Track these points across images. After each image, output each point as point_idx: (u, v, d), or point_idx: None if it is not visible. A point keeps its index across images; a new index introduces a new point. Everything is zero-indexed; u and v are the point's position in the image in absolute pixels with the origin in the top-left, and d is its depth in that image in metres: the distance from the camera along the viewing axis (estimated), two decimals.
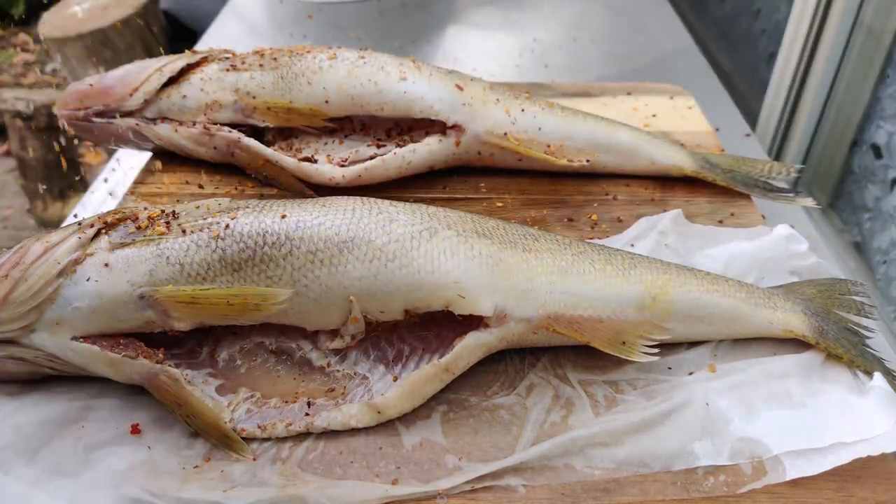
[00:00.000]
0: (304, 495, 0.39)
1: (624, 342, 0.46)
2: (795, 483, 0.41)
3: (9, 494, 0.39)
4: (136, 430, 0.43)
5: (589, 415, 0.44)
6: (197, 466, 0.41)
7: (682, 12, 1.18)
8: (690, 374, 0.47)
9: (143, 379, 0.43)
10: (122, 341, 0.43)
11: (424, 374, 0.44)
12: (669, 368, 0.47)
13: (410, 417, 0.44)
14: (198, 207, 0.47)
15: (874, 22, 0.86)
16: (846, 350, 0.47)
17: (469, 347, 0.45)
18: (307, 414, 0.43)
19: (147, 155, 0.67)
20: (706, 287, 0.48)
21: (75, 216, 0.65)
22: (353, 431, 0.43)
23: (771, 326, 0.48)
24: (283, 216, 0.45)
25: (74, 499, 0.39)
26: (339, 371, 0.46)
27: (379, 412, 0.43)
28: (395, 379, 0.45)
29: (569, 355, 0.48)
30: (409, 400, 0.44)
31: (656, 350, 0.46)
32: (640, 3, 1.10)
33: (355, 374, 0.46)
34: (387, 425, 0.44)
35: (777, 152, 1.02)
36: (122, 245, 0.44)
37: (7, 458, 0.41)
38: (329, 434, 0.43)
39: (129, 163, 0.75)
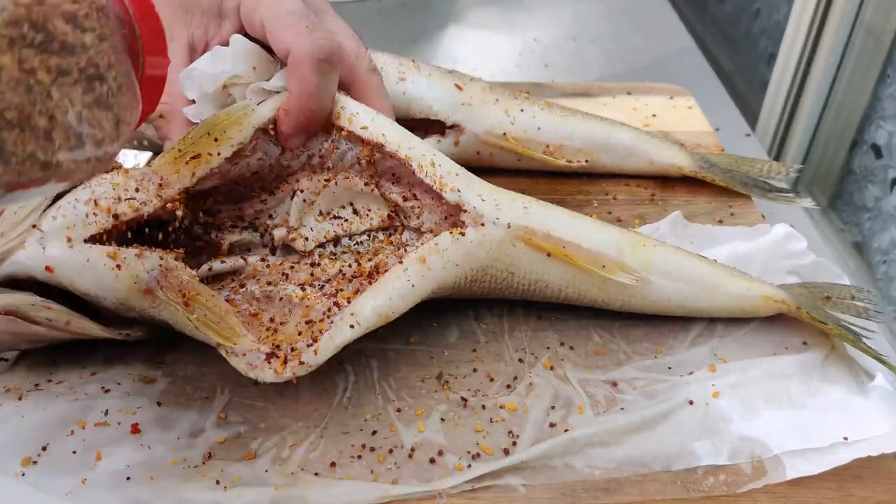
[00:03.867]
0: (304, 495, 0.39)
1: (604, 266, 0.47)
2: (795, 483, 0.41)
3: (9, 495, 0.39)
4: (136, 429, 0.43)
5: (589, 414, 0.44)
6: (197, 466, 0.41)
7: (682, 12, 1.17)
8: (690, 373, 0.47)
9: (151, 280, 0.42)
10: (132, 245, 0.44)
11: (398, 265, 0.44)
12: (669, 368, 0.47)
13: (410, 417, 0.44)
14: None
15: (874, 22, 0.86)
16: (827, 320, 0.47)
17: (444, 241, 0.45)
18: (289, 359, 0.42)
19: (147, 155, 0.67)
20: (684, 252, 0.50)
21: None
22: (353, 431, 0.43)
23: (749, 292, 0.49)
24: None
25: (74, 499, 0.39)
26: (319, 303, 0.46)
27: (352, 314, 0.43)
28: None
29: (569, 355, 0.48)
30: (381, 297, 0.43)
31: (637, 279, 0.47)
32: (639, 3, 1.10)
33: (334, 304, 0.46)
34: (386, 424, 0.44)
35: (777, 152, 1.02)
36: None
37: (7, 458, 0.41)
38: (329, 434, 0.43)
39: (129, 162, 0.75)
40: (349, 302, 0.45)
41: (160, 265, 0.42)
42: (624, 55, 0.95)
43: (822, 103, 0.94)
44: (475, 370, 0.47)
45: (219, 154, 0.45)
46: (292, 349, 0.43)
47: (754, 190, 0.63)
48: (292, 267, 0.49)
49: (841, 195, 0.93)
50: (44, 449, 0.41)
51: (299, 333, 0.44)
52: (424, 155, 0.47)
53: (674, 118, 0.74)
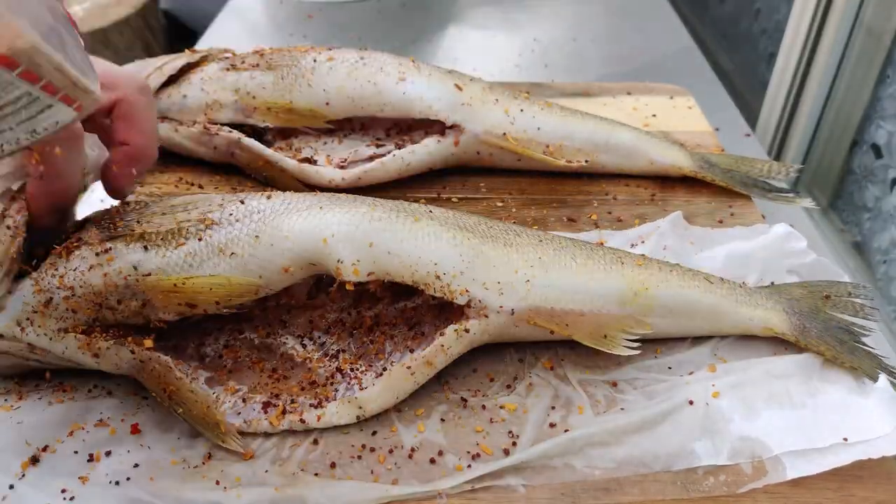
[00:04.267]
0: (304, 495, 0.39)
1: (605, 336, 0.46)
2: (795, 483, 0.41)
3: (9, 495, 0.39)
4: (136, 430, 0.43)
5: (589, 414, 0.44)
6: (197, 466, 0.41)
7: (683, 12, 1.18)
8: (690, 373, 0.47)
9: (132, 367, 0.43)
10: (110, 330, 0.43)
11: (405, 368, 0.44)
12: (669, 368, 0.47)
13: (410, 417, 0.44)
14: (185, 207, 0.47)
15: (874, 22, 0.86)
16: (829, 348, 0.47)
17: (449, 340, 0.45)
18: (288, 412, 0.43)
19: None
20: (687, 283, 0.48)
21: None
22: (353, 432, 0.43)
23: (751, 323, 0.48)
24: (269, 196, 0.47)
25: (74, 499, 0.39)
26: (321, 367, 0.46)
27: (360, 408, 0.43)
28: (378, 375, 0.45)
29: (569, 355, 0.48)
30: (389, 394, 0.44)
31: (638, 344, 0.46)
32: (640, 3, 1.10)
33: (337, 370, 0.46)
34: (386, 425, 0.44)
35: (777, 152, 1.02)
36: (112, 237, 0.44)
37: (7, 458, 0.41)
38: (329, 434, 0.43)
39: None
40: (353, 370, 0.46)
41: (133, 357, 0.43)
42: (624, 55, 0.95)
43: (822, 103, 0.94)
44: (475, 370, 0.47)
45: (215, 312, 0.44)
46: (292, 401, 0.44)
47: (754, 190, 0.63)
48: (290, 311, 0.49)
49: (841, 195, 0.93)
50: (44, 449, 0.41)
51: (302, 389, 0.45)
52: (429, 272, 0.45)
53: (674, 118, 0.73)
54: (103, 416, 0.44)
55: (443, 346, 0.45)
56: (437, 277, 0.45)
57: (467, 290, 0.45)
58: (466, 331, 0.45)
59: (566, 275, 0.47)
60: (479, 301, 0.45)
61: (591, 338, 0.46)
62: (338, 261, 0.44)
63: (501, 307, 0.45)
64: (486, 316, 0.45)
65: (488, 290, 0.45)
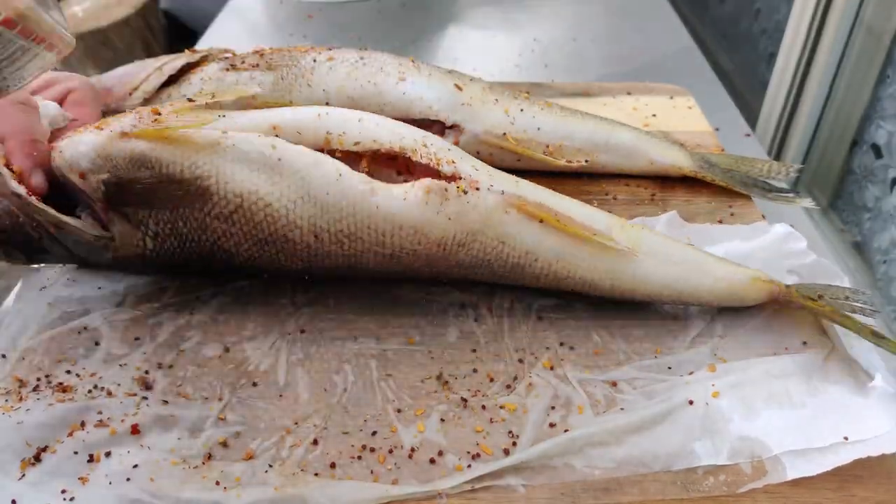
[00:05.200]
0: (304, 495, 0.39)
1: (595, 234, 0.49)
2: (795, 483, 0.41)
3: (9, 495, 0.39)
4: (135, 430, 0.43)
5: (589, 414, 0.44)
6: (197, 466, 0.41)
7: (683, 12, 1.18)
8: (690, 373, 0.47)
9: (132, 122, 0.47)
10: None
11: (404, 185, 0.47)
12: (669, 368, 0.47)
13: (410, 417, 0.44)
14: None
15: (874, 22, 0.86)
16: (818, 299, 0.48)
17: (452, 191, 0.47)
18: None
19: None
20: (672, 238, 0.51)
21: None
22: (353, 432, 0.43)
23: (736, 275, 0.50)
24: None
25: (74, 499, 0.39)
26: None
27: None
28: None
29: (569, 355, 0.48)
30: (384, 195, 0.46)
31: (624, 245, 0.49)
32: (640, 3, 1.10)
33: None
34: (386, 425, 0.44)
35: (777, 152, 1.02)
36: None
37: (7, 458, 0.41)
38: (329, 434, 0.43)
39: None
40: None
41: (134, 115, 0.48)
42: (624, 55, 0.95)
43: (822, 103, 0.94)
44: (475, 370, 0.47)
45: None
46: None
47: (754, 190, 0.63)
48: None
49: (841, 195, 0.93)
50: (44, 449, 0.41)
51: None
52: (416, 139, 0.49)
53: (674, 118, 0.73)
54: (103, 416, 0.44)
55: (446, 190, 0.47)
56: (425, 146, 0.49)
57: (454, 162, 0.48)
58: (465, 192, 0.47)
59: (553, 195, 0.51)
60: (469, 175, 0.48)
61: (580, 229, 0.48)
62: (326, 132, 0.48)
63: (492, 186, 0.48)
64: (478, 189, 0.47)
65: (478, 170, 0.49)
